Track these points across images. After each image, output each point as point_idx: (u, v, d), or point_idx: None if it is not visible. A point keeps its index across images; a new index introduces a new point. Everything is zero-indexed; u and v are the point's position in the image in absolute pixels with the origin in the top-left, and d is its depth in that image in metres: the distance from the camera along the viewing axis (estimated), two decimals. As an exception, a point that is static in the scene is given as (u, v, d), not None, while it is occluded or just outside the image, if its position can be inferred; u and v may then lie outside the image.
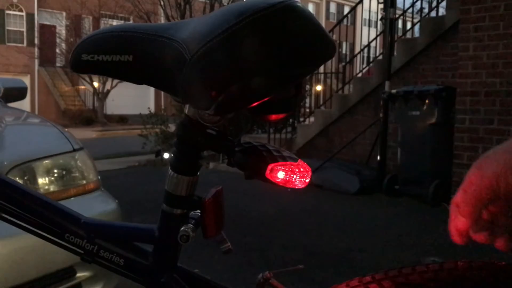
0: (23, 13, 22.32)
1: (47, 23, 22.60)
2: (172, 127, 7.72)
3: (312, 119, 7.02)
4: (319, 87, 8.39)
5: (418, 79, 5.50)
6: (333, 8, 33.43)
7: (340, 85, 7.12)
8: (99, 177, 1.96)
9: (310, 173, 0.52)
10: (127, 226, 0.70)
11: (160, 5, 9.88)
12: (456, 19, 4.73)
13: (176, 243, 0.61)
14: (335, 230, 3.60)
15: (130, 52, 0.55)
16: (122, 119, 21.87)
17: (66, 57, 20.65)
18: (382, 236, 3.51)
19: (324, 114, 6.64)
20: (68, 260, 1.51)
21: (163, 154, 7.09)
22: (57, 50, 22.49)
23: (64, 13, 22.31)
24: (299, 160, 0.52)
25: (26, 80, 15.52)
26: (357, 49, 12.01)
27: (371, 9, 6.44)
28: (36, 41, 21.92)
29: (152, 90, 20.75)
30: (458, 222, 0.48)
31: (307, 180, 0.52)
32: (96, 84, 21.12)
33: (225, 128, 0.58)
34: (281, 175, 0.51)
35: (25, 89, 2.82)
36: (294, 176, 0.51)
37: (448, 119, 4.37)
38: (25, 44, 22.27)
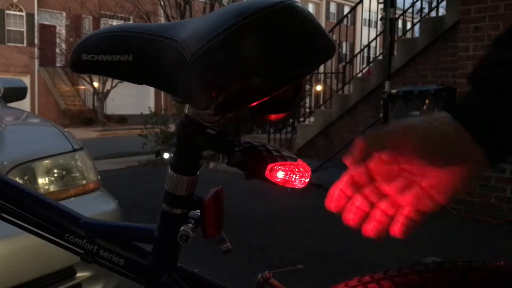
0: (23, 13, 22.32)
1: (47, 23, 22.60)
2: (172, 127, 7.72)
3: (312, 119, 7.02)
4: (319, 87, 8.39)
5: (418, 79, 5.50)
6: (333, 8, 33.43)
7: (340, 85, 7.12)
8: (99, 177, 1.96)
9: (309, 173, 0.52)
10: (127, 226, 0.70)
11: (160, 5, 9.88)
12: (456, 19, 4.73)
13: (176, 243, 0.61)
14: (335, 230, 3.59)
15: (130, 52, 0.55)
16: (122, 119, 21.86)
17: (66, 57, 20.65)
18: (382, 236, 3.51)
19: (324, 114, 6.64)
20: (68, 260, 1.51)
21: (163, 154, 7.09)
22: (57, 50, 22.48)
23: (64, 13, 22.30)
24: (299, 160, 0.52)
25: (26, 80, 15.53)
26: (357, 49, 12.01)
27: (371, 9, 6.44)
28: (36, 41, 21.91)
29: (152, 90, 20.77)
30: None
31: (307, 180, 0.52)
32: (96, 84, 21.11)
33: (225, 128, 0.58)
34: (280, 175, 0.51)
35: (25, 89, 2.82)
36: (294, 176, 0.51)
37: (448, 119, 4.36)
38: (25, 44, 22.27)
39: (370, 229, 0.50)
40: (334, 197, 0.51)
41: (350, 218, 0.51)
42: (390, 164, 0.50)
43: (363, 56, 8.25)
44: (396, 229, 0.50)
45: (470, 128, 0.48)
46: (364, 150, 0.50)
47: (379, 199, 0.50)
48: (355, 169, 0.51)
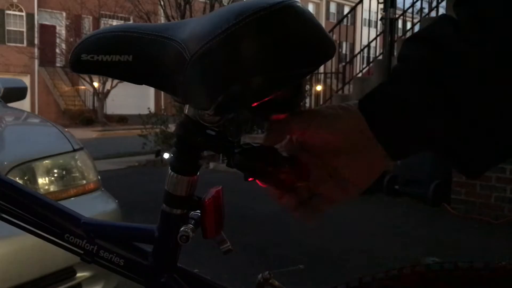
0: (23, 13, 22.33)
1: (47, 23, 22.61)
2: (172, 127, 7.73)
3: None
4: (319, 87, 8.39)
5: (418, 79, 5.49)
6: (333, 8, 33.43)
7: (340, 85, 7.12)
8: (99, 177, 1.96)
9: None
10: (127, 226, 0.70)
11: (160, 5, 9.88)
12: (456, 19, 4.73)
13: (176, 243, 0.61)
14: (335, 230, 3.60)
15: (130, 52, 0.55)
16: (122, 119, 21.88)
17: (66, 57, 20.66)
18: (382, 236, 3.51)
19: (324, 114, 6.63)
20: (68, 260, 1.51)
21: (163, 154, 7.09)
22: (57, 50, 22.50)
23: (64, 13, 22.31)
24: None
25: (26, 80, 15.53)
26: (357, 49, 12.02)
27: (371, 9, 6.44)
28: (36, 41, 21.92)
29: (152, 90, 20.77)
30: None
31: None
32: (96, 84, 21.13)
33: (225, 129, 0.58)
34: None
35: (25, 89, 2.82)
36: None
37: (448, 119, 4.36)
38: (25, 44, 22.28)
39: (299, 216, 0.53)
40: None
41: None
42: (303, 152, 0.52)
43: (363, 56, 8.25)
44: (304, 216, 0.53)
45: (370, 122, 0.48)
46: (278, 134, 0.52)
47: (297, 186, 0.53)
48: None
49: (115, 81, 19.10)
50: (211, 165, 6.59)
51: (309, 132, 0.50)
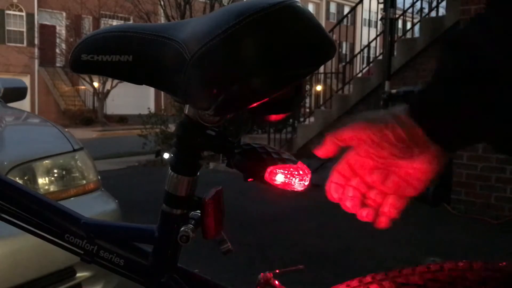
0: (23, 13, 22.32)
1: (47, 23, 22.59)
2: (172, 127, 7.72)
3: (312, 119, 7.02)
4: (319, 87, 8.39)
5: (418, 79, 5.50)
6: (333, 8, 33.42)
7: (340, 85, 7.12)
8: (99, 177, 1.95)
9: (309, 175, 0.52)
10: (127, 226, 0.70)
11: (160, 5, 9.88)
12: (456, 19, 4.73)
13: (176, 243, 0.61)
14: (335, 230, 3.60)
15: (130, 52, 0.55)
16: (122, 119, 21.88)
17: (66, 57, 20.65)
18: (382, 236, 3.51)
19: (324, 114, 6.64)
20: (68, 260, 1.51)
21: (163, 154, 7.09)
22: (57, 50, 22.49)
23: (64, 13, 22.31)
24: (299, 162, 0.52)
25: (26, 80, 15.53)
26: (357, 49, 12.02)
27: (371, 9, 6.44)
28: (36, 41, 21.91)
29: (152, 90, 20.75)
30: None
31: (306, 183, 0.52)
32: (96, 84, 21.12)
33: (225, 129, 0.58)
34: (280, 178, 0.51)
35: (25, 89, 2.82)
36: (293, 179, 0.51)
37: (448, 119, 4.36)
38: (25, 44, 22.26)
39: (365, 215, 0.55)
40: (331, 190, 0.54)
41: (347, 205, 0.54)
42: (364, 158, 0.52)
43: (363, 56, 8.25)
44: (382, 222, 0.55)
45: (422, 125, 0.49)
46: (331, 145, 0.52)
47: (367, 190, 0.53)
48: (340, 165, 0.54)
49: (115, 81, 19.09)
50: (211, 165, 6.59)
51: (360, 139, 0.51)
